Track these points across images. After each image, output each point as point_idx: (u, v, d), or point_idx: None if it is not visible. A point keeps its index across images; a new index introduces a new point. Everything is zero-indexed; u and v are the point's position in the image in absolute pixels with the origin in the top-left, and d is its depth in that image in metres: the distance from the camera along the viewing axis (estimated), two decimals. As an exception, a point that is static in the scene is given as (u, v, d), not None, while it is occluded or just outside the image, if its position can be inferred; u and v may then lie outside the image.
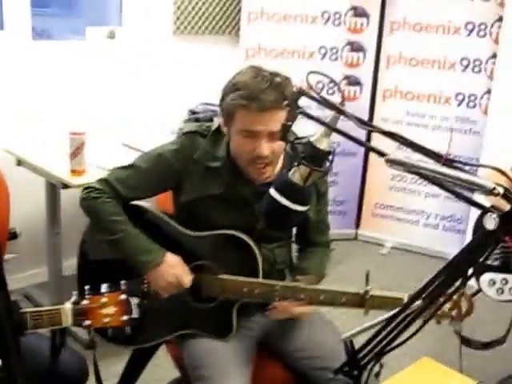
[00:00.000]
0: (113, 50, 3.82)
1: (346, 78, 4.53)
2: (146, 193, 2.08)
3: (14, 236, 3.57)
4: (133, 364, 2.27)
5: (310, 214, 2.09)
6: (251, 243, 2.00)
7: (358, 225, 4.89)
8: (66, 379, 1.88)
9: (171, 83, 3.99)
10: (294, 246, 2.29)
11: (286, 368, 2.12)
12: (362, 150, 4.51)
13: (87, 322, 1.62)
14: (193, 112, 3.75)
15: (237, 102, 1.88)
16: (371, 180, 4.79)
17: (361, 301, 1.97)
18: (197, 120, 3.57)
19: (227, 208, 2.03)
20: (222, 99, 1.95)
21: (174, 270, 1.98)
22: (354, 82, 4.55)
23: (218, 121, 2.05)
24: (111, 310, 1.63)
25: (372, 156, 4.63)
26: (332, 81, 1.68)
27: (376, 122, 4.48)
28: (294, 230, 2.23)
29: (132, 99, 3.83)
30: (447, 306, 1.72)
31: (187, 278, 1.99)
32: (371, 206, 4.85)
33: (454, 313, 1.80)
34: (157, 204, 2.29)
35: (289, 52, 4.40)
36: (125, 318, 1.63)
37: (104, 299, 1.62)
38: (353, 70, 4.54)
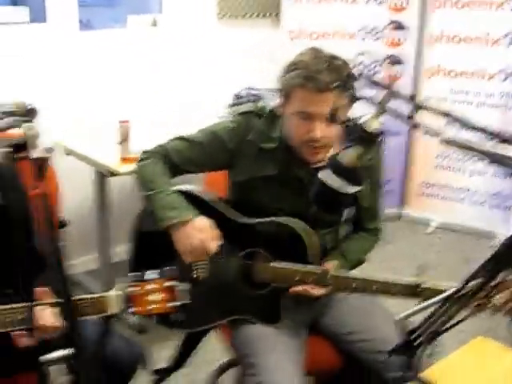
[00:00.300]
0: (155, 37, 3.84)
1: (389, 57, 4.49)
2: (197, 167, 2.10)
3: (62, 224, 3.66)
4: (184, 347, 2.29)
5: (362, 200, 2.08)
6: (299, 231, 1.99)
7: (402, 204, 4.86)
8: (118, 365, 1.90)
9: (215, 68, 4.00)
10: (342, 231, 2.29)
11: (337, 351, 2.13)
12: (405, 128, 4.46)
13: (133, 309, 1.62)
14: (238, 96, 3.75)
15: (294, 81, 1.88)
16: (416, 159, 4.75)
17: (413, 291, 1.94)
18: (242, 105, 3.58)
19: (280, 190, 2.03)
20: (280, 79, 1.95)
21: (200, 233, 1.94)
22: (396, 61, 4.50)
23: (273, 102, 2.06)
24: (158, 296, 1.63)
25: (417, 134, 4.58)
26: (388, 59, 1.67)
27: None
28: (345, 214, 2.23)
29: (176, 86, 3.85)
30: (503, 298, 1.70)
31: (213, 245, 1.95)
32: (416, 185, 4.80)
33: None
34: (205, 186, 2.31)
35: (330, 33, 4.37)
36: (171, 304, 1.63)
37: (150, 286, 1.62)
38: (395, 50, 4.49)
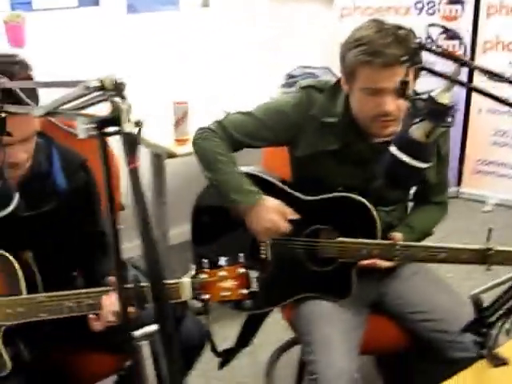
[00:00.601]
0: (207, 18, 3.82)
1: (445, 31, 4.38)
2: (257, 141, 2.07)
3: (121, 208, 3.68)
4: (247, 327, 2.30)
5: (429, 175, 2.05)
6: (368, 205, 1.97)
7: (459, 182, 4.76)
8: (187, 345, 1.91)
9: (267, 48, 3.96)
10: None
11: (401, 330, 2.10)
12: (462, 105, 4.38)
13: (206, 296, 1.62)
14: (290, 76, 3.72)
15: (360, 58, 1.83)
16: (472, 136, 4.64)
17: (482, 257, 1.92)
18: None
19: (342, 165, 2.01)
20: (343, 57, 1.91)
21: (269, 214, 1.96)
22: (452, 35, 4.39)
23: (333, 80, 2.04)
24: (230, 283, 1.62)
25: (473, 111, 4.49)
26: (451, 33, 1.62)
27: (477, 74, 4.31)
28: (412, 190, 2.20)
29: (228, 66, 3.83)
30: None
31: (284, 224, 1.97)
32: (473, 163, 4.70)
33: None
34: (263, 166, 2.30)
35: (384, 9, 4.29)
36: (244, 291, 1.62)
37: (223, 272, 1.61)
38: (451, 24, 4.38)
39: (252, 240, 2.04)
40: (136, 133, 0.93)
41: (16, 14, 3.10)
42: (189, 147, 2.93)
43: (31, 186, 1.74)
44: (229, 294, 1.62)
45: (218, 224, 2.12)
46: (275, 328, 2.81)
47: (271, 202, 1.98)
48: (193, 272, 1.63)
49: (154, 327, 1.02)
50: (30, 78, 1.59)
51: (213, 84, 3.70)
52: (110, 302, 1.63)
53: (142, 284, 1.57)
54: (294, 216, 1.98)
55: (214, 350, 2.07)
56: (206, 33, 3.78)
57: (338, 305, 2.03)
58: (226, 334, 2.87)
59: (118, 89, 0.94)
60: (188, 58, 3.69)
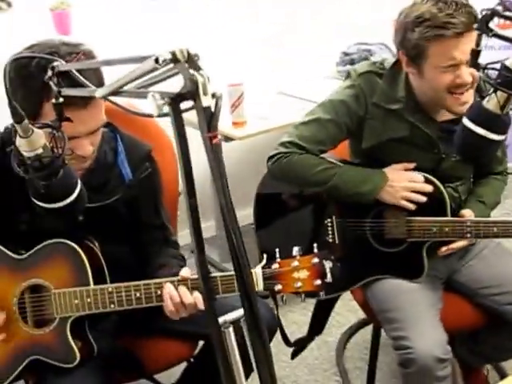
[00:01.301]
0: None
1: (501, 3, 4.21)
2: (332, 143, 2.01)
3: (178, 194, 3.69)
4: (319, 314, 2.27)
5: None
6: (437, 182, 1.93)
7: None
8: None
9: (322, 25, 3.86)
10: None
11: (475, 305, 2.05)
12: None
13: (279, 287, 1.57)
14: (346, 54, 3.63)
15: (428, 34, 1.74)
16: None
17: None
18: (352, 62, 3.46)
19: (411, 150, 1.96)
20: (404, 38, 1.82)
21: (400, 184, 1.92)
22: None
23: (390, 58, 1.98)
24: (304, 274, 1.56)
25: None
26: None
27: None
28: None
29: (284, 45, 3.76)
30: None
31: (419, 185, 1.92)
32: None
33: None
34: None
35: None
36: (318, 282, 1.57)
37: (295, 262, 1.56)
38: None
39: (318, 225, 2.02)
40: (214, 106, 0.87)
41: (62, 1, 3.11)
42: (245, 130, 2.93)
43: (96, 177, 1.73)
44: (302, 284, 1.57)
45: (282, 211, 2.09)
46: (343, 309, 2.79)
47: (393, 173, 1.95)
48: (264, 261, 1.59)
49: (238, 313, 0.99)
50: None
51: (267, 64, 3.63)
52: (185, 293, 1.61)
53: (212, 275, 1.59)
54: (422, 179, 1.94)
55: (285, 340, 2.06)
56: (258, 10, 3.69)
57: (414, 282, 1.99)
58: (291, 318, 2.88)
59: (191, 60, 0.88)
60: (242, 37, 3.62)
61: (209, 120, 0.86)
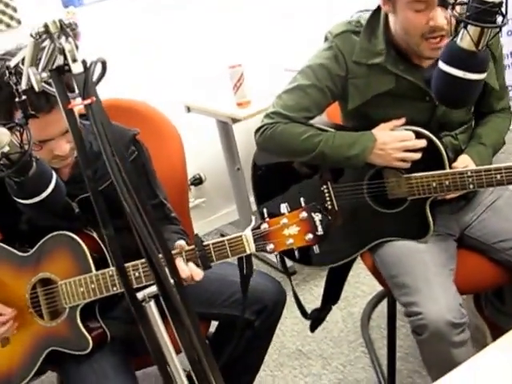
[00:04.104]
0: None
1: None
2: (317, 109, 1.96)
3: (199, 181, 3.70)
4: (331, 283, 2.22)
5: (491, 82, 1.90)
6: (429, 134, 1.85)
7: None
8: (263, 303, 1.89)
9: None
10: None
11: (492, 261, 1.97)
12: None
13: (271, 246, 1.56)
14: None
15: None
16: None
17: None
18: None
19: (401, 103, 1.89)
20: None
21: (390, 145, 1.86)
22: None
23: (365, 14, 1.92)
24: (294, 229, 1.54)
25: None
26: None
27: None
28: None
29: (288, 21, 3.70)
30: None
31: (411, 143, 1.85)
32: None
33: None
34: (327, 117, 2.20)
35: None
36: (310, 236, 1.54)
37: (284, 220, 1.54)
38: None
39: (314, 192, 1.97)
40: (85, 71, 0.85)
41: (68, 10, 3.14)
42: (250, 109, 2.93)
43: None
44: (294, 240, 1.55)
45: (279, 177, 2.05)
46: (367, 279, 2.74)
47: (382, 135, 1.88)
48: (253, 224, 1.58)
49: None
50: None
51: (272, 42, 3.59)
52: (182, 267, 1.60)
53: (205, 243, 1.59)
54: (413, 136, 1.87)
55: (302, 312, 2.03)
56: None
57: (423, 242, 1.92)
58: (316, 292, 2.85)
59: (64, 31, 0.86)
60: (241, 18, 3.59)
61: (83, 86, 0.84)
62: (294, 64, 3.20)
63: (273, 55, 3.46)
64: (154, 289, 1.11)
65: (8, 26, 2.97)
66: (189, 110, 3.27)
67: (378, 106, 1.91)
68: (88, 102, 0.82)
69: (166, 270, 0.90)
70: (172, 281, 0.93)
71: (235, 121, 3.00)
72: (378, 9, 1.89)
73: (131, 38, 3.27)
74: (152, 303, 1.13)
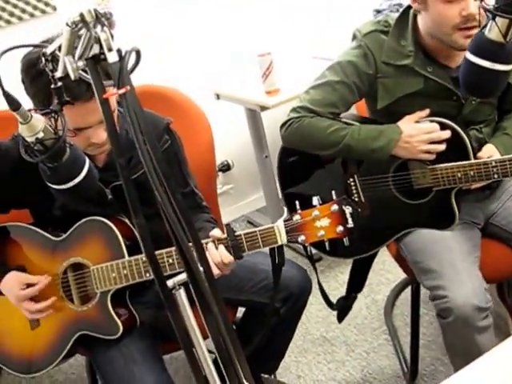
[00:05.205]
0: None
1: None
2: (344, 106, 1.98)
3: (227, 168, 3.73)
4: (356, 271, 2.25)
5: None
6: (455, 126, 1.86)
7: None
8: (289, 291, 1.91)
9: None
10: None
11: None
12: None
13: (302, 238, 1.58)
14: (378, 11, 3.54)
15: None
16: None
17: None
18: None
19: (429, 102, 1.90)
20: None
21: (415, 138, 1.87)
22: None
23: (394, 14, 1.93)
24: (325, 222, 1.57)
25: None
26: None
27: None
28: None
29: (315, 9, 3.71)
30: None
31: (436, 134, 1.87)
32: None
33: None
34: (357, 111, 2.22)
35: None
36: (341, 228, 1.57)
37: (316, 212, 1.56)
38: None
39: (341, 185, 2.00)
40: (120, 60, 0.87)
41: (103, -1, 3.18)
42: (279, 97, 2.94)
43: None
44: (325, 232, 1.57)
45: (306, 167, 2.07)
46: (391, 266, 2.76)
47: (408, 127, 1.89)
48: (286, 215, 1.60)
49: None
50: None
51: (301, 30, 3.60)
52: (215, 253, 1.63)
53: (237, 233, 1.62)
54: (437, 128, 1.88)
55: (327, 302, 2.05)
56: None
57: (448, 231, 1.93)
58: (342, 279, 2.87)
59: (99, 20, 0.88)
60: (269, 6, 3.60)
61: (118, 75, 0.86)
62: (322, 52, 3.24)
63: (300, 43, 3.47)
64: (183, 276, 1.14)
65: (43, 12, 3.02)
66: (218, 97, 3.30)
67: (406, 106, 1.92)
68: (122, 91, 0.84)
69: (196, 258, 0.92)
70: (201, 269, 0.95)
71: (264, 108, 3.01)
72: (407, 9, 1.91)
73: (144, 32, 3.27)
74: (182, 291, 1.14)
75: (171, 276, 1.17)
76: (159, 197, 0.88)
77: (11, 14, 2.96)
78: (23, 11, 2.98)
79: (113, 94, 0.86)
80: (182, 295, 1.14)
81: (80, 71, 0.98)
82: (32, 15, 3.00)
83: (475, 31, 1.73)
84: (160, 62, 3.17)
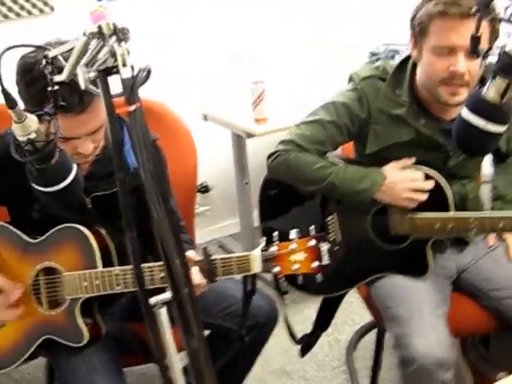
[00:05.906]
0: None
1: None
2: (331, 145, 1.99)
3: (206, 189, 3.72)
4: (324, 311, 2.24)
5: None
6: (438, 178, 1.89)
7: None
8: (256, 320, 1.91)
9: (351, 25, 3.83)
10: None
11: (483, 308, 2.00)
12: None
13: (276, 269, 1.59)
14: (373, 54, 3.59)
15: (433, 9, 1.72)
16: None
17: None
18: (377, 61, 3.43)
19: (417, 151, 1.92)
20: (414, 16, 1.81)
21: (399, 185, 1.89)
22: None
23: (393, 62, 1.96)
24: (301, 256, 1.58)
25: None
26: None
27: None
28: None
29: (308, 42, 3.74)
30: None
31: (420, 184, 1.88)
32: None
33: None
34: (342, 152, 2.23)
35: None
36: (315, 264, 1.58)
37: (293, 245, 1.58)
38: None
39: (320, 222, 1.99)
40: (133, 76, 0.88)
41: (100, 4, 3.19)
42: (267, 126, 2.96)
43: (103, 166, 1.77)
44: (300, 266, 1.59)
45: (288, 200, 2.07)
46: (359, 308, 2.76)
47: (393, 173, 1.91)
48: (263, 245, 1.62)
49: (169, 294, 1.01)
50: None
51: (290, 63, 3.63)
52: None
53: (212, 257, 1.62)
54: (422, 178, 1.90)
55: (292, 336, 2.05)
56: (283, 7, 3.69)
57: (420, 280, 1.94)
58: (306, 314, 2.85)
59: (117, 34, 0.89)
60: (266, 36, 3.63)
61: (129, 91, 0.87)
62: (313, 87, 3.27)
63: (300, 43, 3.53)
64: (167, 295, 1.13)
65: (41, 11, 3.02)
66: (206, 118, 3.31)
67: (394, 153, 1.94)
68: (134, 107, 0.85)
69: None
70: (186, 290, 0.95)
71: (250, 135, 3.03)
72: (406, 59, 1.93)
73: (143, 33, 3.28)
74: (163, 310, 1.14)
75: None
76: (156, 215, 0.88)
77: (10, 9, 2.96)
78: (22, 8, 2.98)
79: (127, 110, 0.86)
80: (163, 315, 1.14)
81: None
82: (30, 13, 2.99)
83: (462, 90, 1.78)
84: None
